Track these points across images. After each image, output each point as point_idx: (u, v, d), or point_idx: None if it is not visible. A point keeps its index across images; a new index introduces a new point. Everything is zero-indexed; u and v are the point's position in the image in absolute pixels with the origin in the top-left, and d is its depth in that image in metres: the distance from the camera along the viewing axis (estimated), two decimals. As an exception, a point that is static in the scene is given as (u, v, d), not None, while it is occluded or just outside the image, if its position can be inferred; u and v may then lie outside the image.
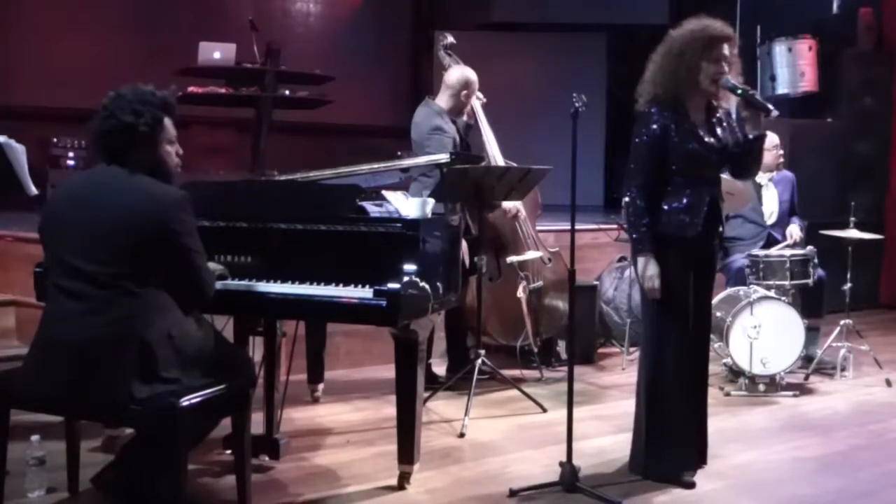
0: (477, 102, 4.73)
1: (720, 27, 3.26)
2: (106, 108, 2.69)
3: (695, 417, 3.45)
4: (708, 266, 3.48)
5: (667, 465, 3.36)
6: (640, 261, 3.28)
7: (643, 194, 3.27)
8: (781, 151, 5.44)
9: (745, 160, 3.41)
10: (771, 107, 3.29)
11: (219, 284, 2.94)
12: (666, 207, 3.28)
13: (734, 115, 3.45)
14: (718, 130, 3.35)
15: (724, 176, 3.72)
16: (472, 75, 4.64)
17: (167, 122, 2.77)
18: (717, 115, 3.38)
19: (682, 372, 3.35)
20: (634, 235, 3.31)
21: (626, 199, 3.35)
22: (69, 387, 2.60)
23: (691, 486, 3.32)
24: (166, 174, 2.77)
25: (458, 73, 4.64)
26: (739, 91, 3.26)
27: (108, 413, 2.73)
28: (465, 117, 4.71)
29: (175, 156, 2.82)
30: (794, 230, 5.25)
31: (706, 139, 3.29)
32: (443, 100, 4.64)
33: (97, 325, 2.57)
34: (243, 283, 3.12)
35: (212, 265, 3.00)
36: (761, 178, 5.32)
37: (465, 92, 4.60)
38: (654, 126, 3.25)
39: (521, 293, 4.67)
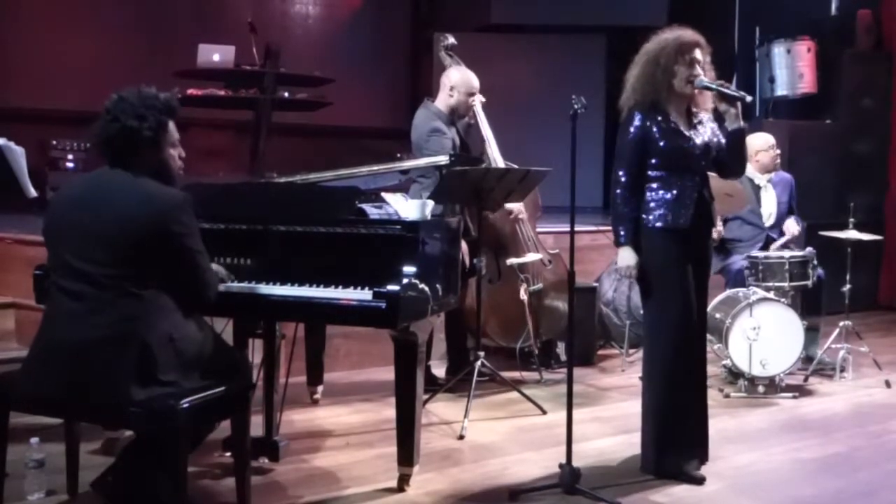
0: (478, 104, 4.72)
1: (692, 33, 3.43)
2: (109, 112, 2.69)
3: (697, 414, 3.49)
4: (703, 263, 3.54)
5: (675, 461, 3.39)
6: (620, 251, 3.43)
7: (627, 192, 3.41)
8: (778, 151, 5.43)
9: (729, 155, 3.49)
10: (745, 93, 3.42)
11: (220, 287, 2.94)
12: (654, 202, 3.39)
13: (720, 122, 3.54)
14: (700, 129, 3.46)
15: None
16: (470, 77, 4.63)
17: (170, 125, 2.77)
18: (699, 118, 3.49)
19: (686, 367, 3.39)
20: (618, 228, 3.44)
21: (613, 197, 3.47)
22: (68, 387, 2.60)
23: (701, 480, 3.35)
24: (169, 177, 2.77)
25: (456, 74, 4.64)
26: (713, 87, 3.38)
27: (107, 414, 2.73)
28: (470, 115, 4.71)
29: (178, 158, 2.83)
30: (791, 224, 5.24)
31: (687, 135, 3.41)
32: (441, 102, 4.63)
33: (97, 325, 2.57)
34: (243, 286, 3.12)
35: (214, 267, 3.01)
36: (760, 179, 5.33)
37: (463, 94, 4.60)
38: (635, 127, 3.40)
39: (521, 295, 4.67)
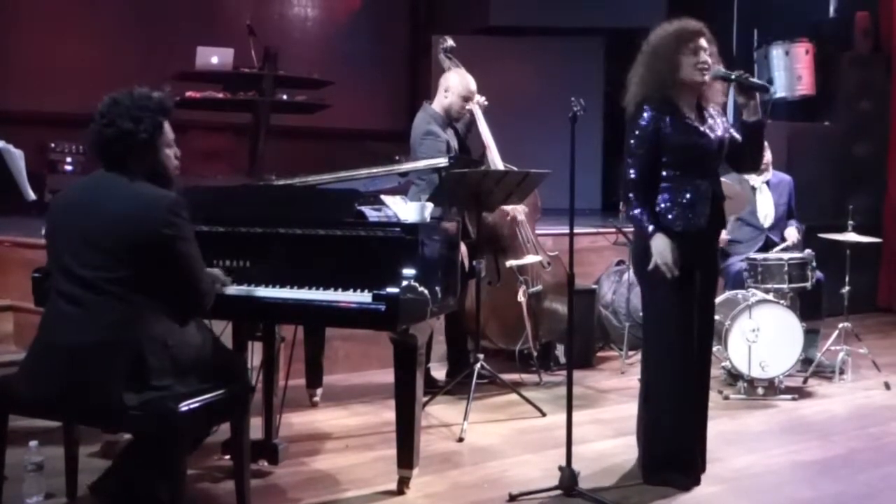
0: (477, 107, 4.73)
1: (694, 22, 3.30)
2: (104, 116, 2.67)
3: (696, 421, 3.43)
4: (711, 269, 3.47)
5: (665, 469, 3.36)
6: (653, 242, 3.22)
7: (640, 190, 3.28)
8: (768, 154, 5.37)
9: (747, 149, 3.39)
10: (768, 84, 3.31)
11: (217, 291, 2.93)
12: (667, 205, 3.27)
13: (731, 116, 3.45)
14: (711, 123, 3.34)
15: (722, 178, 3.72)
16: (468, 79, 4.63)
17: (166, 125, 2.76)
18: (710, 112, 3.37)
19: (683, 375, 3.33)
20: (641, 221, 3.27)
21: (625, 199, 3.35)
22: (65, 391, 2.59)
23: (688, 489, 3.31)
24: (166, 178, 2.76)
25: (453, 77, 4.64)
26: (733, 77, 3.27)
27: (103, 417, 2.72)
28: (466, 116, 4.71)
29: (174, 158, 2.82)
30: (792, 233, 5.26)
31: (701, 130, 3.29)
32: (438, 104, 4.64)
33: (92, 329, 2.56)
34: (242, 289, 3.12)
35: (214, 271, 3.00)
36: (755, 180, 5.33)
37: (457, 96, 4.60)
38: (646, 121, 3.25)
39: (520, 297, 4.67)
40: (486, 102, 4.80)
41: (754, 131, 3.36)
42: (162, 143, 2.75)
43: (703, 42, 3.25)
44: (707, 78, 3.26)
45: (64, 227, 2.69)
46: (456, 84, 4.60)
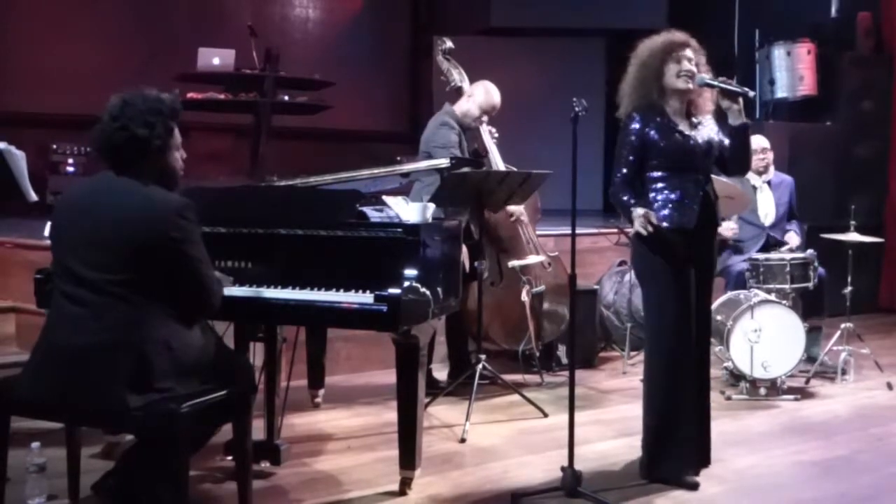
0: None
1: (680, 34, 3.44)
2: (116, 119, 2.63)
3: (698, 417, 3.46)
4: (707, 264, 3.52)
5: (669, 467, 3.37)
6: (633, 213, 3.29)
7: (626, 187, 3.39)
8: (762, 156, 5.34)
9: (734, 152, 3.48)
10: (746, 88, 3.42)
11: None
12: (659, 202, 3.36)
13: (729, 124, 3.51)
14: (700, 129, 3.44)
15: (724, 179, 3.74)
16: (495, 96, 4.67)
17: (174, 128, 2.76)
18: (699, 118, 3.47)
19: (685, 372, 3.37)
20: (625, 202, 3.36)
21: (613, 198, 3.45)
22: (66, 391, 2.59)
23: (695, 487, 3.33)
24: (173, 180, 2.76)
25: (480, 90, 4.67)
26: (715, 83, 3.37)
27: (106, 419, 2.72)
28: (484, 132, 4.74)
29: (180, 160, 2.81)
30: (793, 237, 5.26)
31: (688, 133, 3.40)
32: (459, 108, 4.68)
33: (96, 331, 2.56)
34: (243, 290, 3.12)
35: (217, 274, 3.00)
36: (755, 180, 5.33)
37: (481, 109, 4.64)
38: (634, 128, 3.39)
39: (524, 297, 4.67)
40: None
41: (739, 134, 3.46)
42: (171, 146, 2.75)
43: (688, 52, 3.38)
44: (690, 86, 3.37)
45: (70, 228, 2.68)
46: (484, 99, 4.65)
